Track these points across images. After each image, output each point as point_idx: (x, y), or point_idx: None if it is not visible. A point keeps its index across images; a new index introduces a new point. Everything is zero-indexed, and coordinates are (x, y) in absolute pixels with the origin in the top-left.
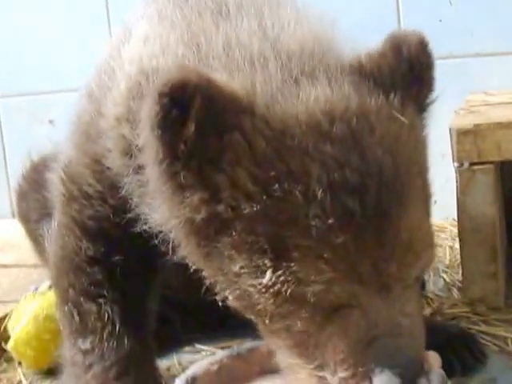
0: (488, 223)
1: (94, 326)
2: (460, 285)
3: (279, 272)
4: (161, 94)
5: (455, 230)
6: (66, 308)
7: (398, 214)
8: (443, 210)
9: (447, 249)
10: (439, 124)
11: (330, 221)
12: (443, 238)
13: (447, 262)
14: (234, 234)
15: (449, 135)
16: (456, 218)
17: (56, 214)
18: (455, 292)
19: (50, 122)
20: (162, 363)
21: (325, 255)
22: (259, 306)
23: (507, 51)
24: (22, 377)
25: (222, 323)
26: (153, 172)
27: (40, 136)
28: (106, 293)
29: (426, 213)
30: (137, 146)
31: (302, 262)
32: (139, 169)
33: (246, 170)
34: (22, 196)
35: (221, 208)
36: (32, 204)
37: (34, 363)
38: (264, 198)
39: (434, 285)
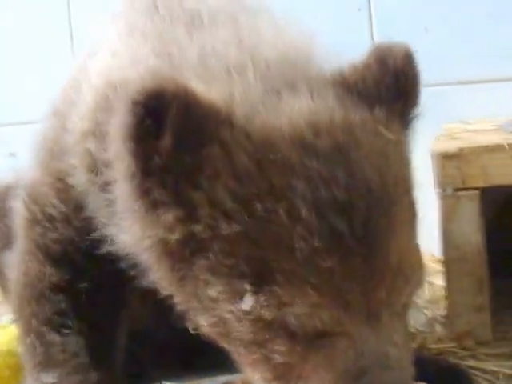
0: (474, 252)
1: (58, 359)
2: (443, 320)
3: (260, 296)
4: (134, 102)
5: (434, 266)
6: (29, 340)
7: (387, 236)
8: (421, 245)
9: (426, 285)
10: (415, 154)
11: (317, 243)
12: None
13: (428, 298)
14: (211, 256)
15: (431, 160)
16: (434, 253)
17: (18, 239)
18: (438, 327)
19: (12, 154)
20: None
21: (310, 279)
22: (236, 334)
23: (485, 79)
24: None
25: (193, 360)
26: (123, 189)
27: (2, 169)
28: (70, 323)
29: (414, 234)
30: (103, 162)
31: (286, 286)
32: (106, 186)
33: (225, 186)
34: None
35: (198, 228)
36: None
37: None
38: (245, 217)
39: (415, 321)
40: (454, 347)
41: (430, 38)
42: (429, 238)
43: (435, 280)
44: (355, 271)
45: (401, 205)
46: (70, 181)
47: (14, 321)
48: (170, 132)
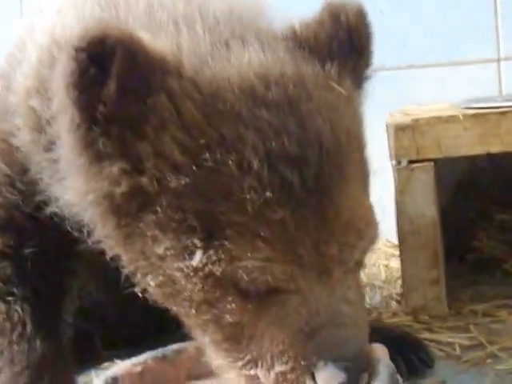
0: (428, 225)
1: (2, 327)
2: (398, 298)
3: (210, 251)
4: (77, 49)
5: (389, 250)
6: None
7: (339, 189)
8: None
9: (381, 267)
10: (371, 138)
11: (268, 194)
12: (377, 258)
13: (383, 279)
14: (158, 210)
15: (386, 134)
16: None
17: None
18: (394, 304)
19: None
20: (80, 379)
21: (261, 232)
22: (185, 294)
23: (440, 63)
24: None
25: (143, 338)
26: (67, 142)
27: None
28: (15, 290)
29: (366, 191)
30: (47, 120)
31: (237, 240)
32: (50, 145)
33: (172, 136)
34: None
35: (144, 180)
36: None
37: None
38: (193, 169)
39: (370, 300)
40: (409, 321)
41: (386, 21)
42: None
43: (391, 263)
44: (306, 223)
45: (353, 160)
46: (14, 142)
47: None
48: (115, 79)
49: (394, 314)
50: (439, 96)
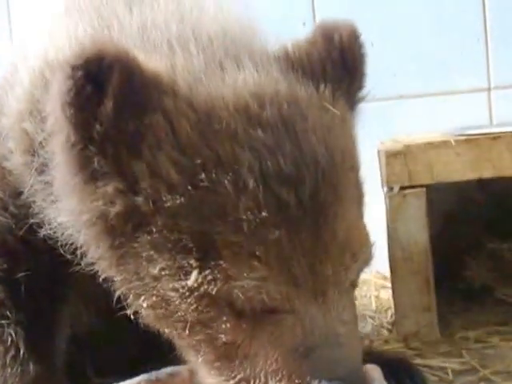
0: (421, 251)
1: None
2: (389, 327)
3: (206, 271)
4: (74, 67)
5: (379, 281)
6: None
7: (335, 209)
8: None
9: (372, 298)
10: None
11: (263, 214)
12: (367, 290)
13: (374, 309)
14: (153, 230)
15: (377, 160)
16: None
17: None
18: (385, 332)
19: None
20: None
21: (257, 252)
22: (179, 314)
23: (430, 93)
24: None
25: (135, 366)
26: (62, 161)
27: None
28: (9, 314)
29: (361, 212)
30: (40, 142)
31: (232, 260)
32: (43, 167)
33: (168, 156)
34: None
35: (139, 200)
36: None
37: None
38: (189, 188)
39: (361, 329)
40: (400, 348)
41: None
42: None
43: (381, 294)
44: (302, 243)
45: (348, 180)
46: (7, 165)
47: None
48: (112, 98)
49: (386, 342)
50: (430, 126)
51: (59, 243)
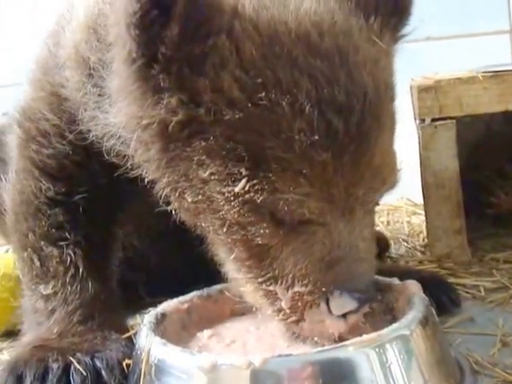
0: (451, 178)
1: (55, 271)
2: (422, 249)
3: (255, 181)
4: None
5: (410, 208)
6: (26, 254)
7: (375, 138)
8: (397, 190)
9: (405, 223)
10: None
11: (315, 137)
12: (399, 216)
13: (406, 233)
14: (210, 138)
15: (409, 93)
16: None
17: (14, 160)
18: (418, 254)
19: (4, 114)
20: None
21: (304, 170)
22: (220, 213)
23: (455, 35)
24: None
25: (187, 286)
26: (122, 72)
27: None
28: (67, 235)
29: (393, 139)
30: (95, 67)
31: (281, 174)
32: (98, 82)
33: (231, 74)
34: None
35: (200, 111)
36: None
37: None
38: (248, 105)
39: (396, 251)
40: (434, 268)
41: None
42: (404, 183)
43: (412, 219)
44: (343, 167)
45: (387, 111)
46: (63, 92)
47: (7, 250)
48: (177, 22)
49: (420, 263)
50: (454, 66)
51: (111, 153)
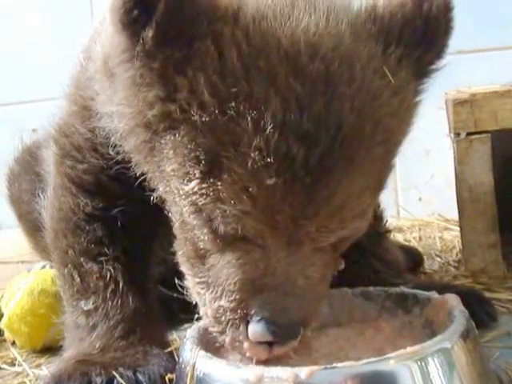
0: (486, 192)
1: (96, 286)
2: (456, 264)
3: (203, 185)
4: None
5: (442, 224)
6: (66, 270)
7: (340, 178)
8: (428, 206)
9: (437, 238)
10: (422, 121)
11: (269, 159)
12: (430, 232)
13: (439, 248)
14: (177, 135)
15: (445, 108)
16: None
17: (51, 177)
18: (452, 269)
19: (34, 130)
20: None
21: (251, 189)
22: (177, 208)
23: (487, 48)
24: (16, 355)
25: None
26: (116, 62)
27: None
28: (106, 250)
29: (378, 186)
30: None
31: (228, 185)
32: None
33: (208, 78)
34: (14, 178)
35: (174, 108)
36: (24, 185)
37: (28, 340)
38: (216, 111)
39: (429, 266)
40: (469, 283)
41: None
42: (436, 200)
43: (444, 235)
44: (294, 197)
45: (372, 153)
46: (94, 107)
47: (43, 266)
48: (154, 25)
49: (455, 278)
50: (486, 79)
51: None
